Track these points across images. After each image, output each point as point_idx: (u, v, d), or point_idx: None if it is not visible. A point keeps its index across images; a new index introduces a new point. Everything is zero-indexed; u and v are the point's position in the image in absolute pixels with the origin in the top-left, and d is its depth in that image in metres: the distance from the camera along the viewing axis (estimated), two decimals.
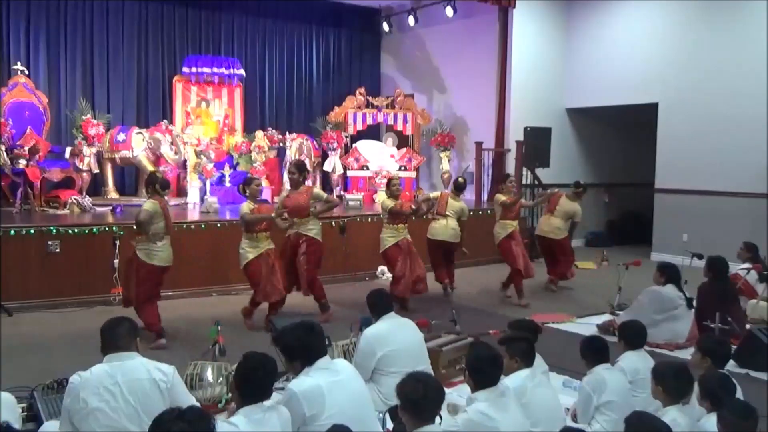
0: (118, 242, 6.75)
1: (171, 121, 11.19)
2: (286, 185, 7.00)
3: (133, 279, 5.96)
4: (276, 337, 3.64)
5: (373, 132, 12.89)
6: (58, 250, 7.21)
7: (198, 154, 10.59)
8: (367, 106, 12.24)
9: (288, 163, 7.45)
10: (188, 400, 3.27)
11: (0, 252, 6.88)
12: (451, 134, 12.35)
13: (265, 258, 6.34)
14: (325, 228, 8.38)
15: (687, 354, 5.01)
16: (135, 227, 5.90)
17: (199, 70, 11.41)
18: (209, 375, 4.44)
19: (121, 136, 10.17)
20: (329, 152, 11.75)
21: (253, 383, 3.05)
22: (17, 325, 6.45)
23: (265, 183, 10.02)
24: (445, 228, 7.83)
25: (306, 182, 7.15)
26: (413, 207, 7.47)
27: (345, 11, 13.87)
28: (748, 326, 6.06)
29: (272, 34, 13.20)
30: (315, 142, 11.81)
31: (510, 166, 11.41)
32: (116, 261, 6.69)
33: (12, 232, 7.09)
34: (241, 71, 11.79)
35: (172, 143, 10.32)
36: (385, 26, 13.59)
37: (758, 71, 9.59)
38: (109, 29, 11.34)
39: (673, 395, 3.39)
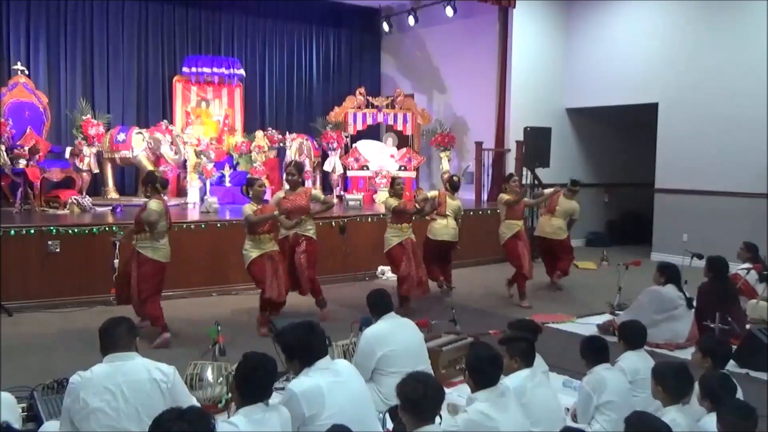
0: (117, 242, 6.73)
1: (171, 121, 11.19)
2: (285, 186, 6.96)
3: (134, 277, 5.93)
4: (277, 335, 3.64)
5: (373, 132, 12.89)
6: (58, 250, 7.22)
7: (198, 154, 10.59)
8: (367, 106, 12.24)
9: (287, 164, 7.39)
10: (189, 400, 3.27)
11: (0, 252, 6.88)
12: (451, 134, 12.36)
13: (269, 257, 6.33)
14: (326, 228, 8.42)
15: (687, 354, 5.02)
16: (146, 227, 5.87)
17: (199, 70, 11.41)
18: (209, 375, 4.44)
19: (121, 136, 10.17)
20: (329, 152, 11.76)
21: (253, 383, 3.05)
22: (17, 325, 6.45)
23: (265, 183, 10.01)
24: (446, 228, 7.82)
25: (305, 183, 7.15)
26: (417, 207, 7.45)
27: (345, 11, 13.87)
28: (748, 326, 6.06)
29: (272, 34, 13.20)
30: (315, 142, 11.82)
31: (510, 166, 11.41)
32: (116, 261, 6.69)
33: (12, 232, 7.09)
34: (241, 71, 11.79)
35: (172, 143, 10.32)
36: (385, 26, 13.58)
37: (758, 71, 9.59)
38: (109, 29, 11.34)
39: (673, 395, 3.39)
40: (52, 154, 9.94)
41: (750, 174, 9.70)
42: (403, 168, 12.06)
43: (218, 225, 8.24)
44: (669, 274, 6.13)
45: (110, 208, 9.07)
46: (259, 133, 11.42)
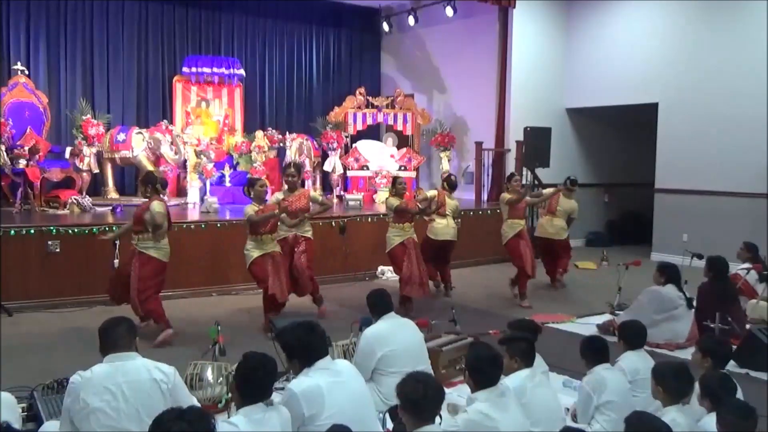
0: (117, 242, 6.74)
1: (171, 121, 11.19)
2: (284, 187, 6.95)
3: (135, 277, 5.91)
4: (277, 335, 3.64)
5: (373, 132, 12.89)
6: (58, 250, 7.22)
7: (198, 154, 10.59)
8: (367, 106, 12.24)
9: (285, 165, 7.38)
10: (189, 400, 3.27)
11: (0, 252, 6.88)
12: (451, 134, 12.35)
13: (270, 257, 6.33)
14: (325, 228, 8.42)
15: (687, 354, 5.02)
16: (151, 229, 5.88)
17: (199, 70, 11.42)
18: (209, 375, 4.44)
19: (121, 136, 10.17)
20: (329, 152, 11.75)
21: (253, 383, 3.05)
22: (17, 325, 6.45)
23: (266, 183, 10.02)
24: (446, 227, 7.83)
25: (305, 184, 7.15)
26: (419, 206, 7.43)
27: (345, 11, 13.87)
28: (748, 326, 6.06)
29: (272, 34, 13.19)
30: (315, 142, 11.81)
31: (510, 166, 11.40)
32: (116, 261, 6.69)
33: (12, 232, 7.09)
34: (241, 71, 11.80)
35: (172, 143, 10.32)
36: (385, 26, 13.58)
37: (758, 71, 9.58)
38: (109, 29, 11.34)
39: (673, 395, 3.39)
40: (52, 154, 9.94)
41: (750, 174, 9.70)
42: (403, 168, 12.05)
43: (218, 225, 8.24)
44: (669, 274, 6.13)
45: (110, 208, 9.07)
46: (259, 133, 11.42)
